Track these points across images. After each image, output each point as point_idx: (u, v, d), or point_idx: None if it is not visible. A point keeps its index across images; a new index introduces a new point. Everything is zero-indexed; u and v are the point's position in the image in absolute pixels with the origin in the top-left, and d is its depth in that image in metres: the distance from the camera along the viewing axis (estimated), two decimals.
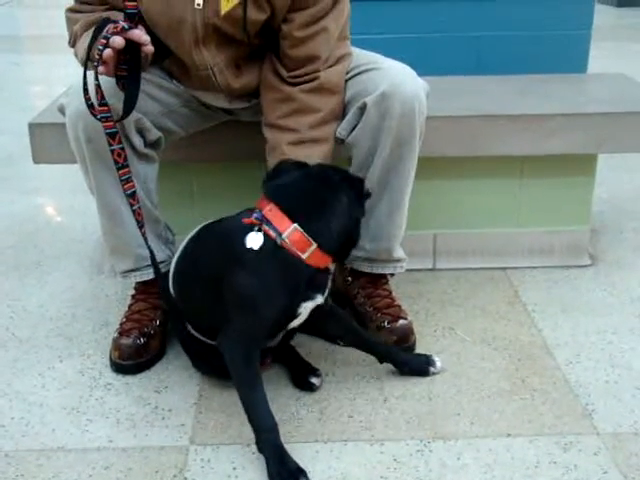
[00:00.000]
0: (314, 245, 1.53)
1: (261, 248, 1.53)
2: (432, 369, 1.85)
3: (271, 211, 1.55)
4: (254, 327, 1.59)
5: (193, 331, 1.79)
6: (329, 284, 1.65)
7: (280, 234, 1.53)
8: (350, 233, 1.62)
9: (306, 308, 1.59)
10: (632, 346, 1.97)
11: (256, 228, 1.54)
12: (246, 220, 1.56)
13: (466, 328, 2.06)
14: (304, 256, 1.53)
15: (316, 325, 1.77)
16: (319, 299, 1.60)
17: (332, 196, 1.58)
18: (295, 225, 1.53)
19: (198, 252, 1.74)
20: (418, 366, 1.85)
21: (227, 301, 1.59)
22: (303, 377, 1.83)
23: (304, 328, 1.81)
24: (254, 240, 1.53)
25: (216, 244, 1.68)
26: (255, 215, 1.55)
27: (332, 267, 1.66)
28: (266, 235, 1.53)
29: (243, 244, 1.54)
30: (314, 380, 1.82)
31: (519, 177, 2.35)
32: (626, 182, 3.16)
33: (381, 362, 1.84)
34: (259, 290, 1.54)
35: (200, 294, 1.71)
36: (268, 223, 1.54)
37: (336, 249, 1.57)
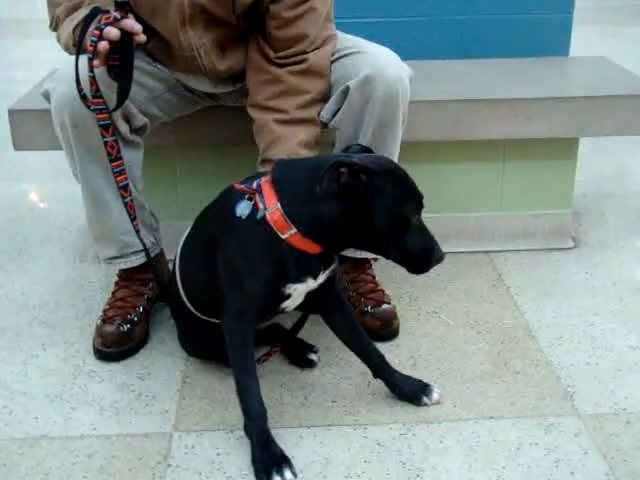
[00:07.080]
0: (293, 229, 1.48)
1: (247, 217, 1.51)
2: (425, 399, 1.70)
3: (266, 182, 1.52)
4: (245, 300, 1.55)
5: (194, 311, 1.75)
6: (331, 270, 1.60)
7: (265, 208, 1.50)
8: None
9: (297, 290, 1.56)
10: (613, 328, 1.99)
11: (247, 197, 1.52)
12: (239, 186, 1.54)
13: (449, 312, 2.08)
14: (284, 236, 1.49)
15: (322, 313, 1.74)
16: (311, 283, 1.57)
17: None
18: (277, 205, 1.48)
19: (203, 215, 1.72)
20: (410, 392, 1.71)
21: (220, 265, 1.57)
22: (301, 354, 1.84)
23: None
24: (242, 208, 1.51)
25: (217, 206, 1.65)
26: (255, 183, 1.53)
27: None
28: (255, 205, 1.50)
29: (234, 210, 1.52)
30: (312, 356, 1.84)
31: (501, 161, 2.36)
32: (608, 165, 3.17)
33: (375, 377, 1.74)
34: (242, 259, 1.52)
35: (202, 259, 1.67)
36: (261, 194, 1.51)
37: (320, 237, 1.50)
